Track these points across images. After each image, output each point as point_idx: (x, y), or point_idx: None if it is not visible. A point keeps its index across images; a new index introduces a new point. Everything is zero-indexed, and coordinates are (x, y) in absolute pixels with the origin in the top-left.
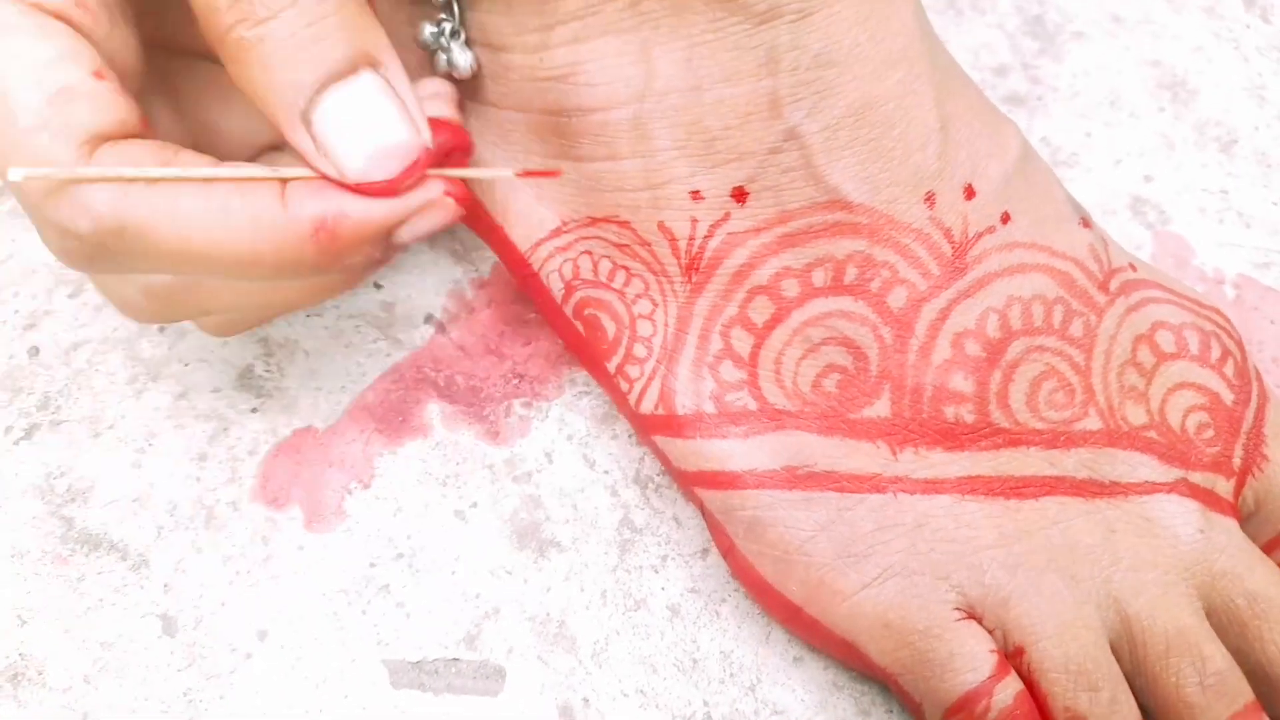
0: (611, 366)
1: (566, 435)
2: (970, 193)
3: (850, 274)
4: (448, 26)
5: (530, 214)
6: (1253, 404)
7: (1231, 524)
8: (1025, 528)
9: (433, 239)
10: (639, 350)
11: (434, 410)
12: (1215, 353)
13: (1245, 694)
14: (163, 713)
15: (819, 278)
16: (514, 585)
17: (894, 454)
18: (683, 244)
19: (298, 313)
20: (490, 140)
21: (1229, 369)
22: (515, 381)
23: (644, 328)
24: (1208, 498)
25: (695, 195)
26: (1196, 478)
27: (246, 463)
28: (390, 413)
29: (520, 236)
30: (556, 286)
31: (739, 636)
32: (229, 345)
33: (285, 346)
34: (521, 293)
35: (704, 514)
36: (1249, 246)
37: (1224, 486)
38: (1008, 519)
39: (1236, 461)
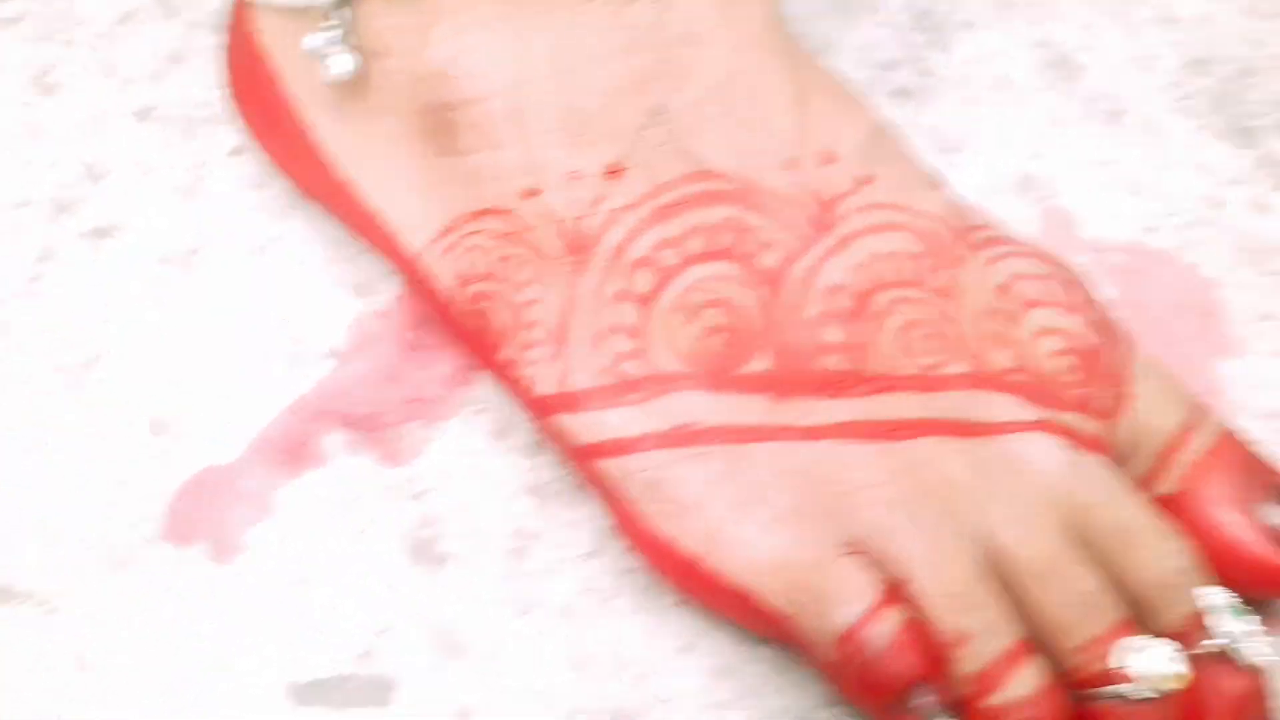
0: (507, 355)
1: (461, 452)
2: (830, 158)
3: (724, 239)
4: (328, 35)
5: (416, 218)
6: (1115, 349)
7: (1102, 460)
8: (902, 466)
9: (334, 273)
10: (531, 335)
11: (334, 439)
12: (1076, 299)
13: (1120, 610)
14: None
15: (694, 245)
16: (408, 600)
17: (777, 404)
18: (563, 226)
19: (204, 350)
20: (375, 153)
21: (1092, 314)
22: (413, 405)
23: (534, 312)
24: (1076, 436)
25: (573, 176)
26: (1064, 417)
27: (154, 504)
28: (290, 445)
29: (407, 241)
30: (447, 285)
31: (629, 631)
32: (137, 388)
33: (191, 388)
34: (420, 320)
35: (603, 492)
36: (1136, 213)
37: (1094, 426)
38: (886, 459)
39: (1102, 402)
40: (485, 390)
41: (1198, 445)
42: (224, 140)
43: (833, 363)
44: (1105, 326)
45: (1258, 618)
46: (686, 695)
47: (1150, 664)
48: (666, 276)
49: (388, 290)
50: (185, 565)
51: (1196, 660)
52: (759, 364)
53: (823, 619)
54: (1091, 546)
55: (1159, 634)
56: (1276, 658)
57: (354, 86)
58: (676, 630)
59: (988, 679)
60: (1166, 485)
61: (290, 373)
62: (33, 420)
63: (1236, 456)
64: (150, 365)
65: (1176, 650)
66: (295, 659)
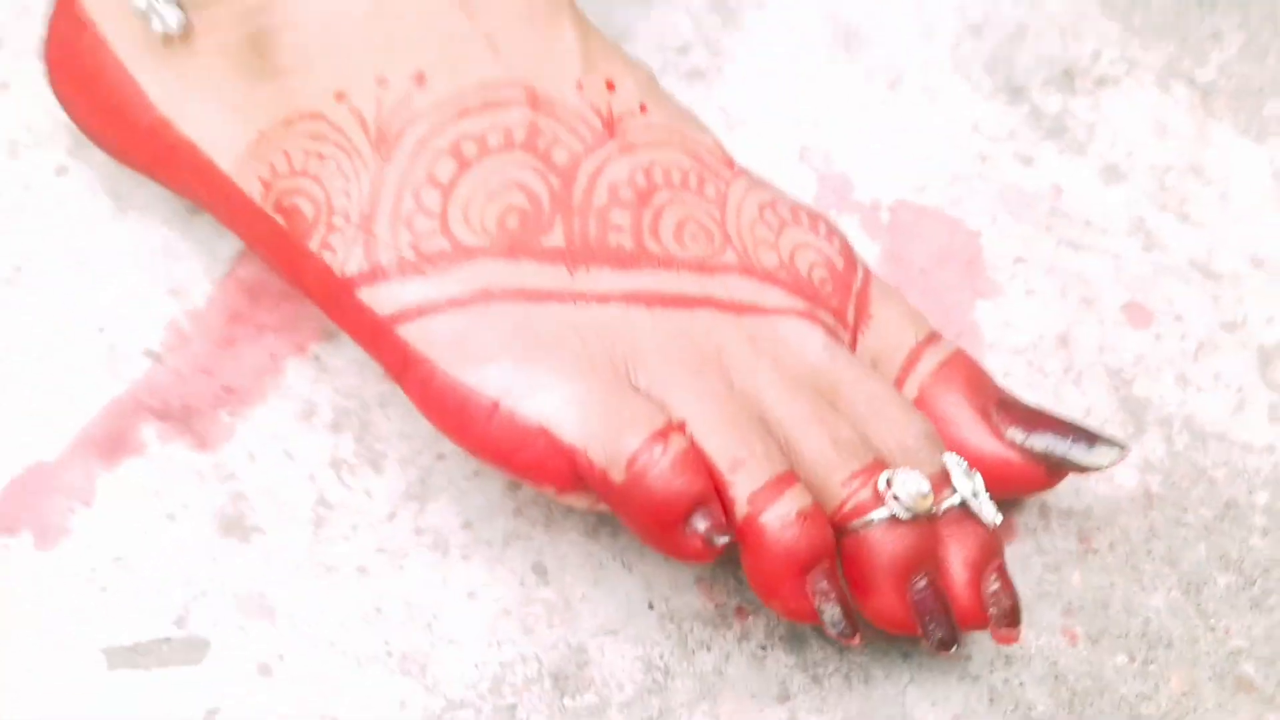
0: (314, 244)
1: (268, 435)
2: (611, 86)
3: (519, 136)
4: None
5: (229, 137)
6: (859, 274)
7: (846, 350)
8: (681, 332)
9: (150, 278)
10: (338, 221)
11: (149, 431)
12: (823, 230)
13: (872, 454)
14: None
15: (493, 140)
16: (220, 569)
17: (570, 273)
18: (371, 124)
19: (28, 357)
20: (196, 91)
21: (836, 244)
22: (224, 394)
23: (340, 201)
24: (831, 330)
25: (381, 81)
26: (821, 314)
27: None
28: (110, 439)
29: (222, 161)
30: (257, 190)
31: (419, 584)
32: None
33: (18, 393)
34: (233, 316)
35: (399, 365)
36: (907, 174)
37: (842, 332)
38: (667, 324)
39: (850, 316)
40: (294, 378)
41: (931, 360)
42: (49, 160)
43: (619, 240)
44: (848, 255)
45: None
46: (471, 635)
47: (905, 485)
48: (467, 165)
49: (201, 292)
50: (10, 552)
51: (935, 519)
52: (553, 238)
53: (613, 444)
54: (845, 413)
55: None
56: (1000, 516)
57: (178, 35)
58: (463, 580)
59: (758, 499)
60: (907, 393)
61: (108, 374)
62: None
63: (965, 370)
64: None
65: (924, 478)
66: (113, 628)
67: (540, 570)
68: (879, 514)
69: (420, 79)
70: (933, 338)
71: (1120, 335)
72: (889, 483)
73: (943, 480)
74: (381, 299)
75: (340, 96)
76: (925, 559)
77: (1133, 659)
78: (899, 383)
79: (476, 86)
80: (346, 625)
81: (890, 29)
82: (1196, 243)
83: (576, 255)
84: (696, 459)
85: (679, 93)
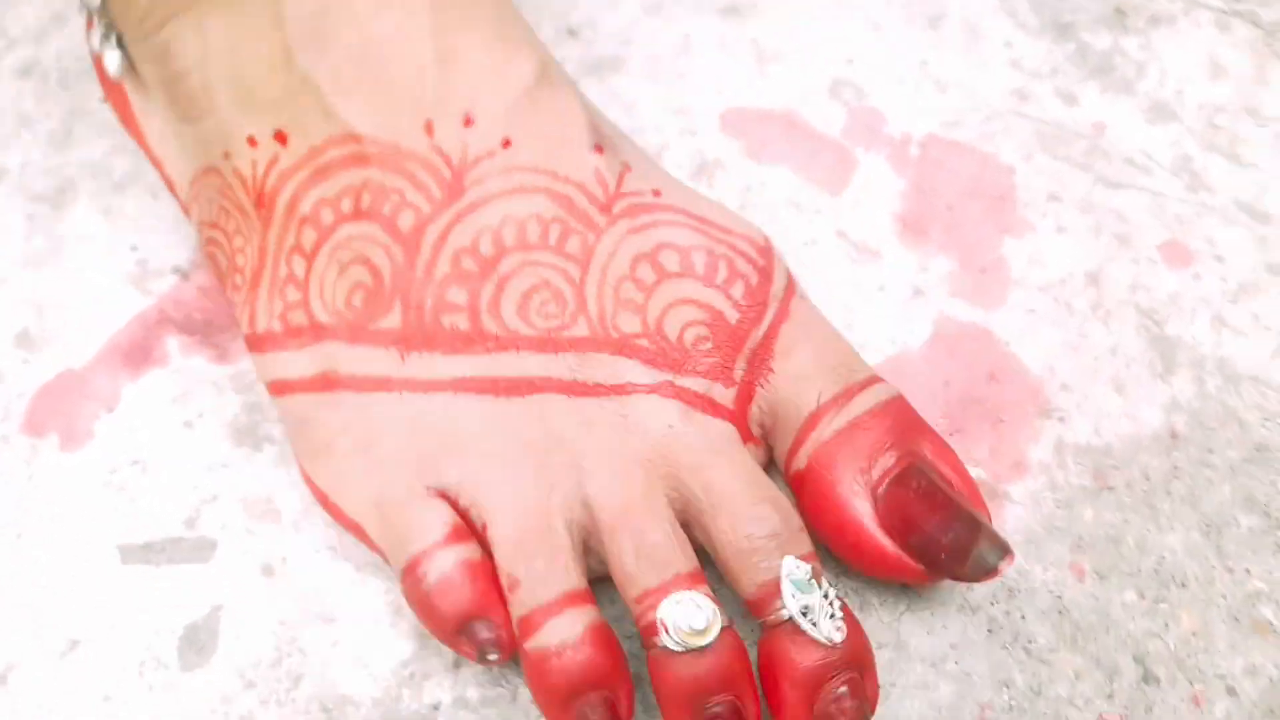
0: (228, 294)
1: None
2: (468, 120)
3: (366, 200)
4: (99, 33)
5: (178, 173)
6: (764, 323)
7: (717, 424)
8: (509, 421)
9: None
10: (238, 279)
11: (172, 343)
12: (722, 274)
13: (679, 565)
14: None
15: (345, 205)
16: (231, 475)
17: (402, 358)
18: (250, 185)
19: (66, 274)
20: (153, 118)
21: (737, 290)
22: None
23: (239, 259)
24: (694, 399)
25: (251, 141)
26: (685, 381)
27: (16, 404)
28: (135, 349)
29: (179, 192)
30: (197, 228)
31: None
32: (4, 309)
33: (54, 306)
34: None
35: None
36: (941, 109)
37: (721, 393)
38: (494, 413)
39: (738, 373)
40: None
41: (831, 424)
42: (95, 90)
43: (454, 321)
44: (754, 303)
45: (833, 591)
46: None
47: (676, 615)
48: (324, 234)
49: None
50: (37, 453)
51: (771, 628)
52: (390, 320)
53: (396, 553)
54: (683, 506)
55: (744, 602)
56: (841, 633)
57: (121, 73)
58: None
59: (527, 624)
60: (798, 463)
61: (137, 289)
62: None
63: (870, 437)
64: (16, 289)
65: (708, 604)
66: (128, 526)
67: None
68: (658, 641)
69: (281, 139)
70: (846, 394)
71: (1155, 274)
72: (665, 606)
73: (773, 590)
74: (259, 366)
75: (226, 155)
76: (718, 684)
77: (1142, 596)
78: (792, 450)
79: (325, 143)
80: (347, 533)
81: None
82: (1246, 183)
83: (411, 339)
84: (471, 575)
85: (711, 30)
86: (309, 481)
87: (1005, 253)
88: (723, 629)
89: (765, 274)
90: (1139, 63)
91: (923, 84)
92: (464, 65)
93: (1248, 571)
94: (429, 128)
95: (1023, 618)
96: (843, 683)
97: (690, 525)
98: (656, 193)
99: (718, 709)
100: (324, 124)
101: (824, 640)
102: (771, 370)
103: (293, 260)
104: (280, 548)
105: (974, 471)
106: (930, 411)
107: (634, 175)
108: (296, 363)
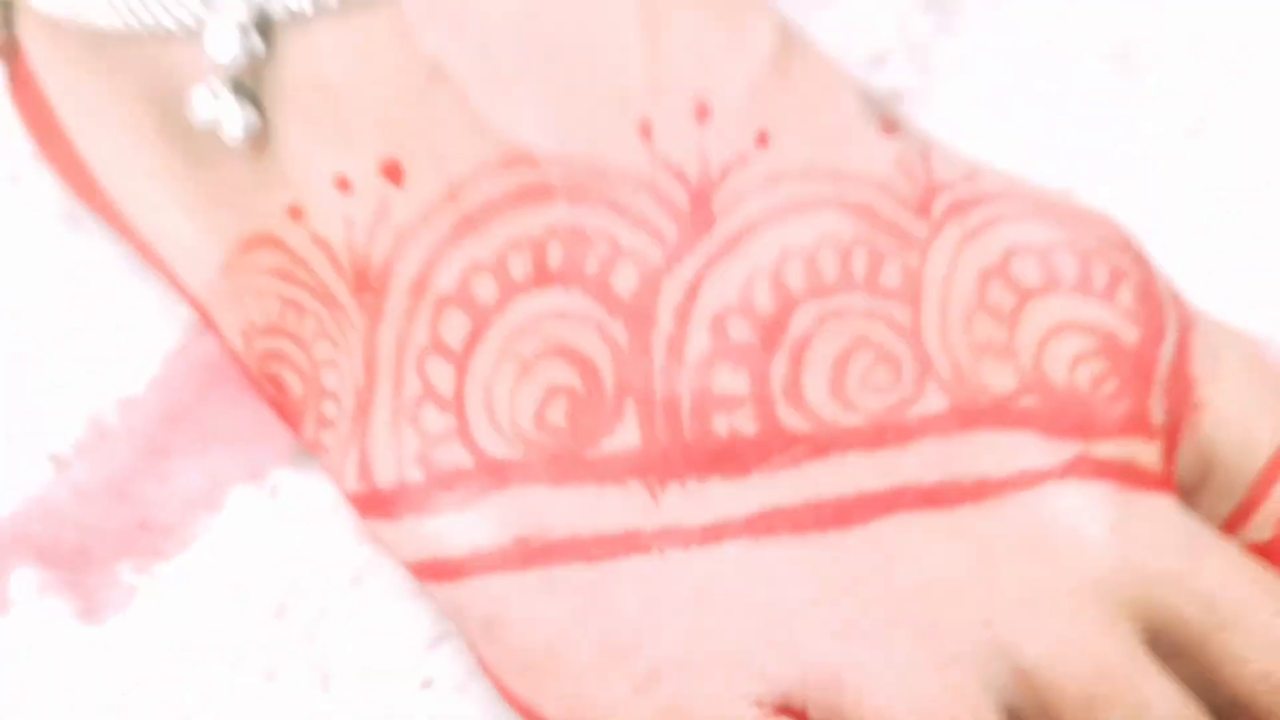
0: (308, 434)
1: (176, 610)
2: (704, 112)
3: (555, 255)
4: (222, 83)
5: (190, 249)
6: (1169, 337)
7: (1165, 502)
8: (855, 571)
9: (75, 349)
10: (329, 410)
11: (25, 578)
12: (1102, 277)
13: None
14: None
15: (517, 269)
16: None
17: (654, 496)
18: (343, 256)
19: None
20: (136, 165)
21: (1125, 295)
22: (135, 534)
23: (329, 378)
24: (1123, 473)
25: (341, 184)
26: (1103, 449)
27: None
28: None
29: (188, 279)
30: (239, 342)
31: None
32: None
33: None
34: (177, 413)
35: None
36: None
37: (1147, 453)
38: (828, 562)
39: (1157, 416)
40: (237, 514)
41: None
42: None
43: (733, 423)
44: (1150, 309)
45: None
46: None
47: None
48: (484, 319)
49: (144, 372)
50: None
51: None
52: (622, 437)
53: None
54: (1162, 635)
55: None
56: None
57: (98, 76)
58: None
59: None
60: (1260, 529)
61: None
62: None
63: None
64: None
65: None
66: None
67: None
68: None
69: (393, 173)
70: None
71: None
72: None
73: None
74: (392, 540)
75: (295, 213)
76: None
77: None
78: (1247, 513)
79: (475, 171)
80: None
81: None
82: None
83: (663, 462)
84: None
85: None
86: (523, 708)
87: None
88: None
89: (1145, 264)
90: None
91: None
92: (682, 28)
93: None
94: (645, 129)
95: None
96: None
97: (1172, 660)
98: (971, 177)
99: None
100: (470, 141)
101: None
102: (1199, 404)
103: (429, 366)
104: None
105: None
106: None
107: (939, 156)
108: (469, 527)
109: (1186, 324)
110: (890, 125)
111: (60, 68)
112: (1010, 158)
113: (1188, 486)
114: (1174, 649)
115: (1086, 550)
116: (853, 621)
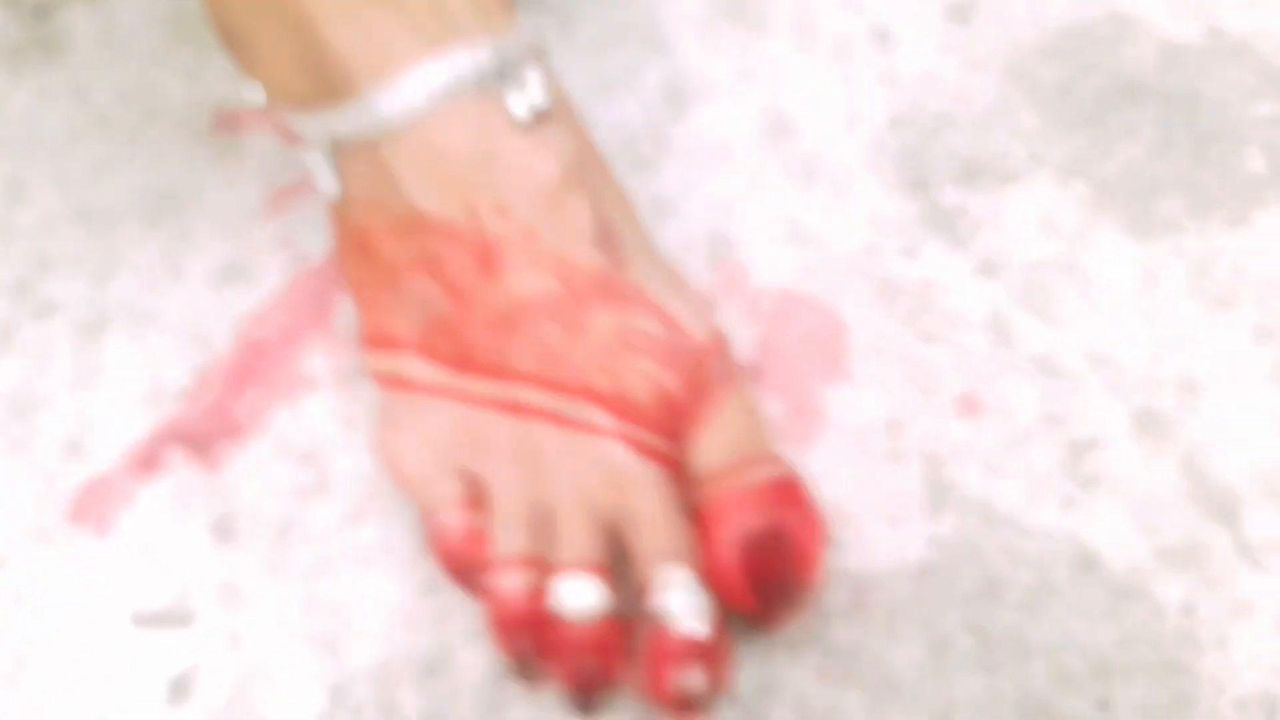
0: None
1: (254, 462)
2: (504, 211)
3: (432, 267)
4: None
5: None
6: (702, 397)
7: (657, 469)
8: (517, 434)
9: (192, 333)
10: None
11: (175, 453)
12: (679, 360)
13: (593, 555)
14: None
15: (430, 263)
16: (207, 564)
17: (457, 376)
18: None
19: (108, 384)
20: None
21: (685, 372)
22: (228, 426)
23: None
24: (641, 447)
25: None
26: (638, 433)
27: (62, 500)
28: (147, 457)
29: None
30: None
31: (371, 585)
32: (56, 427)
33: (94, 419)
34: (245, 374)
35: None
36: (798, 263)
37: (660, 443)
38: (508, 427)
39: (673, 431)
40: (277, 419)
41: (725, 487)
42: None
43: (489, 356)
44: (697, 383)
45: (706, 599)
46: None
47: (566, 591)
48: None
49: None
50: (77, 539)
51: (650, 619)
52: (452, 348)
53: (426, 505)
54: (621, 525)
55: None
56: (706, 631)
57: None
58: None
59: (494, 567)
60: (700, 500)
61: (152, 410)
62: None
63: (748, 508)
64: (66, 410)
65: (596, 586)
66: (133, 594)
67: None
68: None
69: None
70: (740, 468)
71: (946, 424)
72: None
73: (660, 586)
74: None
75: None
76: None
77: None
78: (698, 490)
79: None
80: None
81: (821, 120)
82: (1045, 340)
83: (463, 362)
84: (466, 531)
85: (627, 182)
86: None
87: (827, 401)
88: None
89: (704, 366)
90: (977, 220)
91: (785, 240)
92: (507, 158)
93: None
94: (472, 214)
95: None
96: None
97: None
98: (640, 288)
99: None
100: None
101: (686, 633)
102: (698, 436)
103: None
104: (246, 628)
105: None
106: None
107: (626, 269)
108: (387, 364)
109: (723, 393)
110: (602, 246)
111: None
112: None
113: (688, 463)
114: (613, 527)
115: (604, 471)
116: (506, 453)
